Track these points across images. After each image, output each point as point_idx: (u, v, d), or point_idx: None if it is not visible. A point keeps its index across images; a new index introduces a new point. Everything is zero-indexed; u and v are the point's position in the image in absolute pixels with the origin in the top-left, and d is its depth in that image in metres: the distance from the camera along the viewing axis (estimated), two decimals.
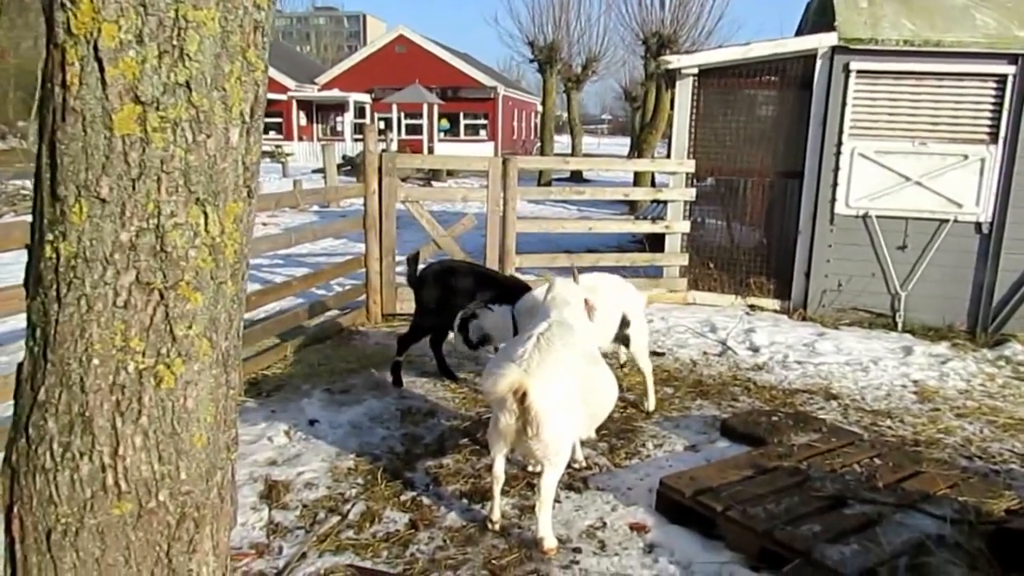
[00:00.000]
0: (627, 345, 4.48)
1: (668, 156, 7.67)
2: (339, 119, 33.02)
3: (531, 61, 21.55)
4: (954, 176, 6.43)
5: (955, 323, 6.53)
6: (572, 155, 21.15)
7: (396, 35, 32.60)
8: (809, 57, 6.63)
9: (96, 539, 1.72)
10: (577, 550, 2.95)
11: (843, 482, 3.27)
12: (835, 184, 6.64)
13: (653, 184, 14.60)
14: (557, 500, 3.24)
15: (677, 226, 7.34)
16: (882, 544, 2.71)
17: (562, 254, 7.43)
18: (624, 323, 4.35)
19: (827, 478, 3.29)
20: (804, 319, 6.79)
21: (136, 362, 1.68)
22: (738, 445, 3.94)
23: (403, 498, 3.34)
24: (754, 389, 5.02)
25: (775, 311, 7.03)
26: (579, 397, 2.99)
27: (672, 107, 8.83)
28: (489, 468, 3.17)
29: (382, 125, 26.21)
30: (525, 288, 4.64)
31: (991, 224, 6.40)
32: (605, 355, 4.32)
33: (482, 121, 32.99)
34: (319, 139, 31.13)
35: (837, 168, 6.62)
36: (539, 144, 23.94)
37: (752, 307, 7.12)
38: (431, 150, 26.91)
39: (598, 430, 3.56)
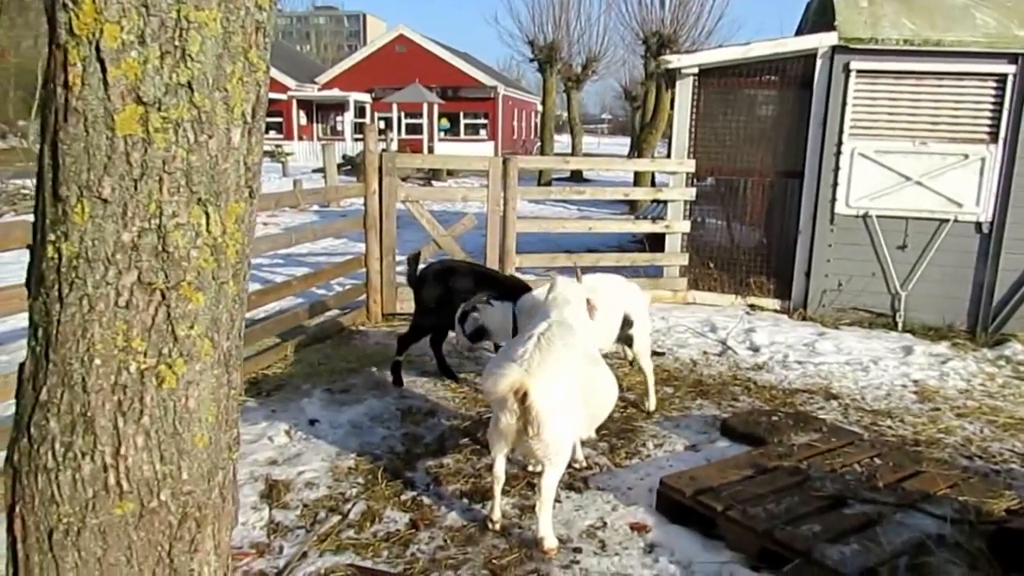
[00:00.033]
0: (630, 345, 4.48)
1: (668, 156, 7.67)
2: (339, 119, 33.03)
3: (531, 60, 21.56)
4: (954, 176, 6.43)
5: (955, 323, 6.53)
6: (572, 155, 21.14)
7: (396, 34, 32.59)
8: (809, 57, 6.63)
9: (98, 539, 1.72)
10: (577, 550, 2.95)
11: (843, 482, 3.27)
12: (835, 184, 6.65)
13: (653, 184, 14.60)
14: (557, 500, 3.24)
15: (677, 226, 7.34)
16: (882, 544, 2.71)
17: (562, 254, 7.44)
18: (627, 323, 4.35)
19: (827, 478, 3.30)
20: (804, 319, 6.79)
21: (138, 362, 1.69)
22: (738, 445, 3.94)
23: (404, 498, 3.34)
24: (754, 389, 5.02)
25: (775, 311, 7.03)
26: (579, 397, 3.00)
27: (672, 107, 8.83)
28: (489, 468, 3.17)
29: (382, 125, 26.21)
30: (525, 288, 4.64)
31: (991, 224, 6.40)
32: (608, 354, 4.33)
33: (482, 121, 32.98)
34: (319, 139, 31.14)
35: (837, 168, 6.62)
36: (539, 144, 23.94)
37: (752, 307, 7.13)
38: (431, 150, 26.91)
39: (598, 430, 3.56)
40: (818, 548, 2.68)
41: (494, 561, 2.85)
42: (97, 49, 1.54)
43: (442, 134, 30.87)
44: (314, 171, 22.19)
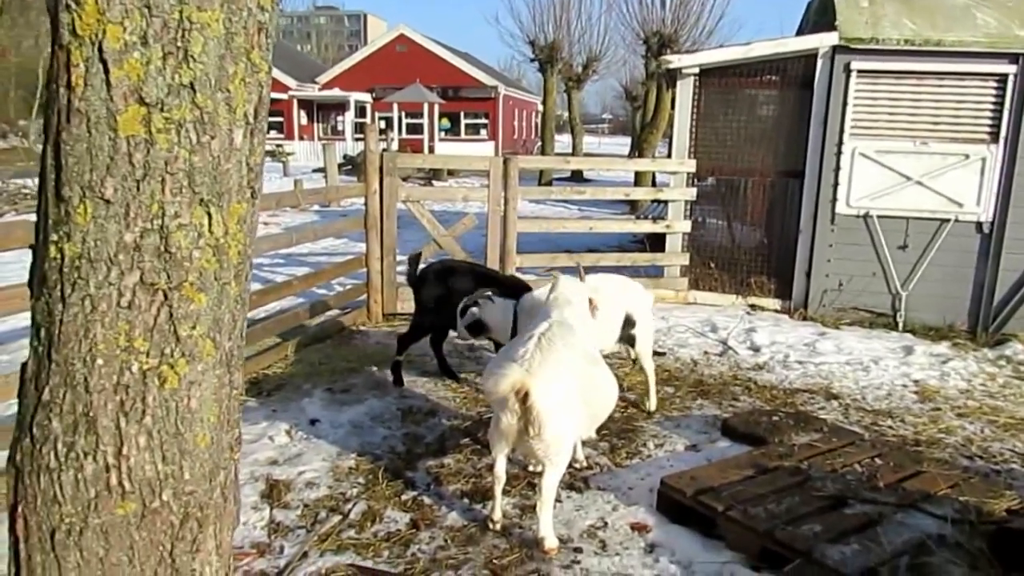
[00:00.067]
0: (632, 345, 4.48)
1: (669, 156, 7.66)
2: (340, 118, 33.03)
3: (532, 60, 21.57)
4: (955, 176, 6.43)
5: (956, 323, 6.53)
6: (573, 155, 21.16)
7: (397, 34, 32.57)
8: (810, 57, 6.63)
9: (100, 539, 1.72)
10: (578, 550, 2.95)
11: (844, 482, 3.27)
12: (836, 184, 6.65)
13: (654, 184, 14.60)
14: (558, 500, 3.25)
15: (678, 226, 7.34)
16: (883, 544, 2.71)
17: (563, 254, 7.43)
18: (629, 323, 4.35)
19: (828, 478, 3.30)
20: (805, 319, 6.79)
21: (140, 362, 1.69)
22: (739, 445, 3.95)
23: (404, 498, 3.35)
24: (755, 389, 5.03)
25: (776, 311, 7.03)
26: (580, 397, 3.00)
27: (673, 107, 8.82)
28: (490, 468, 3.17)
29: (383, 124, 26.19)
30: (525, 288, 4.64)
31: (992, 224, 6.40)
32: (608, 354, 4.33)
33: (483, 120, 32.97)
34: (320, 138, 31.14)
35: (838, 168, 6.62)
36: (540, 143, 23.94)
37: (753, 307, 7.13)
38: (432, 149, 26.90)
39: (599, 430, 3.56)
40: (819, 548, 2.68)
41: (495, 561, 2.85)
42: (100, 50, 1.54)
43: (443, 134, 30.87)
44: (315, 171, 22.20)
